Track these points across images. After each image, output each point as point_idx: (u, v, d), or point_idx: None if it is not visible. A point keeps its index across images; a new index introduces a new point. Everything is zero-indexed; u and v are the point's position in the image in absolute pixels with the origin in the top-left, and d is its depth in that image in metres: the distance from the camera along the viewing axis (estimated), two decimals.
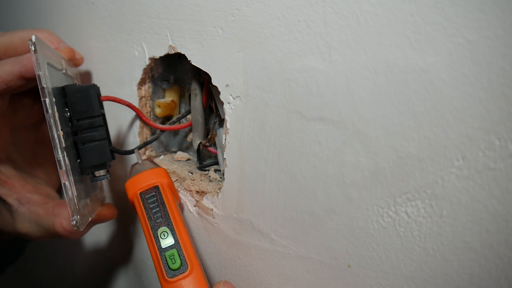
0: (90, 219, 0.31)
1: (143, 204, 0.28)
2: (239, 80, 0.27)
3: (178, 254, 0.26)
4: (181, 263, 0.25)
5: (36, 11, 0.45)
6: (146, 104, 0.36)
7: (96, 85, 0.31)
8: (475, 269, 0.20)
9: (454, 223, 0.20)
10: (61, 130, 0.27)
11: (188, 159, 0.39)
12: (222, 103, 0.29)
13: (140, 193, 0.29)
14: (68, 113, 0.29)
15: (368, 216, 0.23)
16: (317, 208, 0.25)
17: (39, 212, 0.34)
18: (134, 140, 0.37)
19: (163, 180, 0.29)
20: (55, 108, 0.27)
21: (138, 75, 0.34)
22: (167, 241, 0.26)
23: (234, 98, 0.28)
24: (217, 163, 0.36)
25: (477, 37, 0.18)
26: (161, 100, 0.37)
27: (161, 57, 0.32)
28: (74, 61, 0.35)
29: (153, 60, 0.33)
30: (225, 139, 0.29)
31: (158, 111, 0.37)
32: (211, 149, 0.36)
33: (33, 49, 0.25)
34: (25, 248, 0.46)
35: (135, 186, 0.29)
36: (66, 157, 0.27)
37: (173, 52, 0.31)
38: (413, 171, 0.21)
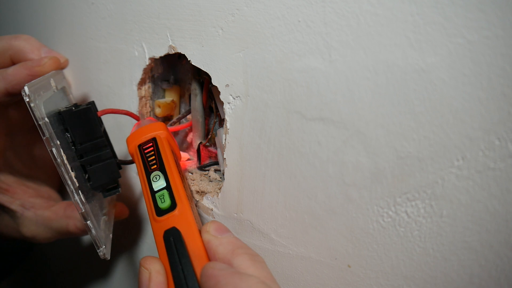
0: (111, 236, 0.31)
1: (141, 155, 0.29)
2: (239, 80, 0.27)
3: (168, 194, 0.25)
4: (171, 203, 0.25)
5: (36, 11, 0.45)
6: (146, 104, 0.36)
7: (91, 104, 0.30)
8: (475, 269, 0.20)
9: (454, 223, 0.20)
10: (72, 171, 0.26)
11: (188, 159, 0.39)
12: (222, 103, 0.29)
13: (138, 145, 0.30)
14: (70, 138, 0.29)
15: (368, 216, 0.23)
16: (317, 208, 0.25)
17: (48, 215, 0.34)
18: None
19: (161, 133, 0.30)
20: (62, 151, 0.26)
21: (138, 75, 0.34)
22: (159, 183, 0.26)
23: (234, 98, 0.28)
24: (217, 163, 0.36)
25: (477, 37, 0.18)
26: (161, 100, 0.37)
27: (161, 57, 0.32)
28: (60, 67, 0.35)
29: (153, 60, 0.33)
30: (225, 139, 0.29)
31: (158, 111, 0.36)
32: (211, 149, 0.36)
33: (27, 100, 0.24)
34: (32, 249, 0.46)
35: (134, 140, 0.30)
36: (82, 197, 0.27)
37: (173, 52, 0.31)
38: (413, 171, 0.21)
